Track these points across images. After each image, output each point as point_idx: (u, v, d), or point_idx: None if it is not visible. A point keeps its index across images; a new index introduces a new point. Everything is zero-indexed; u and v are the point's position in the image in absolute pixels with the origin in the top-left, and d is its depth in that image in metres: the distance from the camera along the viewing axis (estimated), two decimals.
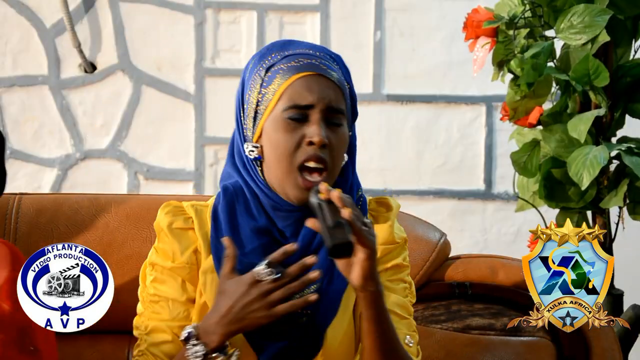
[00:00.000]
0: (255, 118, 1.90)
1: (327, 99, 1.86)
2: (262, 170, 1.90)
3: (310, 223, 1.79)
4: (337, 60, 1.92)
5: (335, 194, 1.78)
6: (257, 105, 1.89)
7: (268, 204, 1.89)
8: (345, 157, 1.92)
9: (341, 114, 1.89)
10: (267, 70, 1.89)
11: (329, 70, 1.88)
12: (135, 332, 1.92)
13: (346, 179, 1.93)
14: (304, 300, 1.82)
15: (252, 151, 1.90)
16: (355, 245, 1.76)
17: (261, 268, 1.81)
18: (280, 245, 1.84)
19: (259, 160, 1.90)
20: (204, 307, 1.88)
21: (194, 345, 1.81)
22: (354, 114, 1.94)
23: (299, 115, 1.86)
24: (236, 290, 1.81)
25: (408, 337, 1.89)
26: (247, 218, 1.90)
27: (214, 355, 1.82)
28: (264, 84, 1.89)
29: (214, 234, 1.90)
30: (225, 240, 1.86)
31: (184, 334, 1.83)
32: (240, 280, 1.82)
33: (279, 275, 1.81)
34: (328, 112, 1.87)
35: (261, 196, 1.90)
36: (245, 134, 1.91)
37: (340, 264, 1.79)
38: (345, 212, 1.75)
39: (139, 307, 1.93)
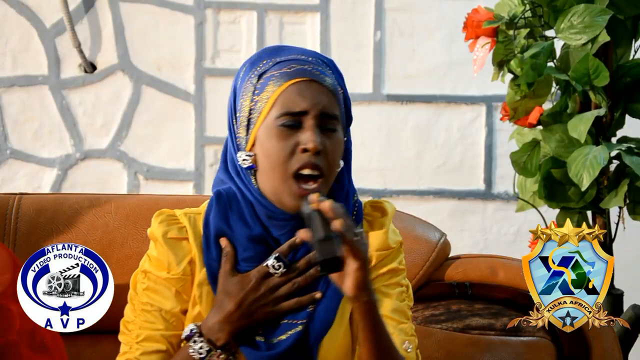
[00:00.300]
0: (248, 126, 1.88)
1: (321, 104, 1.84)
2: (255, 179, 1.89)
3: (302, 234, 1.78)
4: (330, 65, 1.90)
5: (326, 205, 1.76)
6: (250, 114, 1.88)
7: (263, 212, 1.88)
8: (341, 163, 1.90)
9: (335, 120, 1.87)
10: (259, 77, 1.87)
11: (322, 76, 1.86)
12: (121, 338, 1.91)
13: (342, 185, 1.91)
14: (310, 297, 1.84)
15: (246, 160, 1.88)
16: (347, 257, 1.75)
17: (272, 261, 1.83)
18: None
19: (253, 169, 1.89)
20: (198, 317, 1.88)
21: (197, 342, 1.82)
22: (348, 119, 1.92)
23: (292, 122, 1.84)
24: (243, 287, 1.83)
25: (406, 342, 1.88)
26: (242, 226, 1.88)
27: (217, 352, 1.83)
28: (256, 92, 1.87)
29: (205, 245, 1.89)
30: (223, 241, 1.87)
31: (186, 331, 1.84)
32: (247, 277, 1.84)
33: (287, 269, 1.83)
34: (322, 118, 1.85)
35: (255, 205, 1.88)
36: (238, 142, 1.90)
37: (332, 274, 1.78)
38: (337, 224, 1.73)
39: (127, 312, 1.92)
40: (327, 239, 1.73)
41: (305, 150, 1.83)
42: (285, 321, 1.86)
